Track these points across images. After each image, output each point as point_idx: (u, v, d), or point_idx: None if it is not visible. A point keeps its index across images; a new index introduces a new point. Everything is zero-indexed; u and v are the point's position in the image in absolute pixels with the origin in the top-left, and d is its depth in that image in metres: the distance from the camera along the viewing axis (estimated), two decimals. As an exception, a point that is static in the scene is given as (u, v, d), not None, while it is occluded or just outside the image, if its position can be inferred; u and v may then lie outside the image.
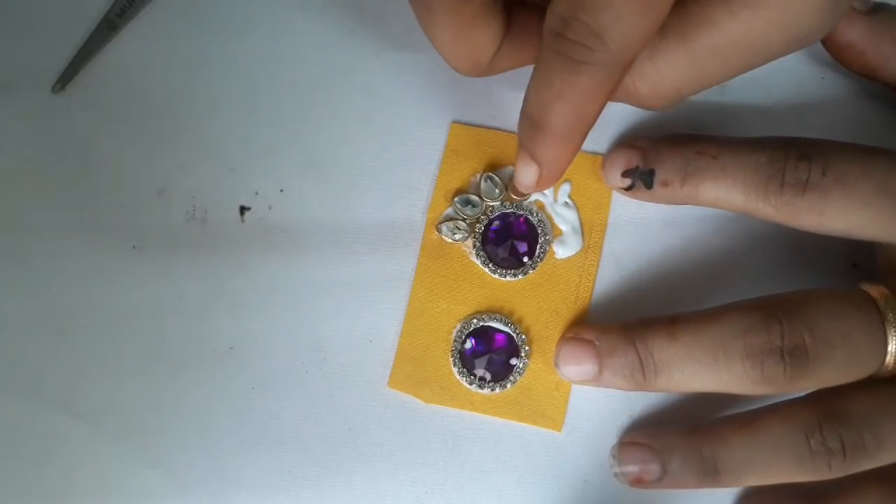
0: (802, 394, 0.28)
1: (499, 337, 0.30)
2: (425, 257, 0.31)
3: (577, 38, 0.22)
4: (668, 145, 0.29)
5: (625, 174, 0.29)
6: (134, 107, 0.32)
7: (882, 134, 0.31)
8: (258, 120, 0.32)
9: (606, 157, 0.30)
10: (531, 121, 0.25)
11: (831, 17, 0.23)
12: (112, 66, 0.32)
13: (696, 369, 0.27)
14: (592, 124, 0.25)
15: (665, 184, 0.29)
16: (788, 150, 0.27)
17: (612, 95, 0.24)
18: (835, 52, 0.30)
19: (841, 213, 0.27)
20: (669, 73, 0.25)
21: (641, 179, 0.29)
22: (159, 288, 0.31)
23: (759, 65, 0.24)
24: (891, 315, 0.26)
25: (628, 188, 0.30)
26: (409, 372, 0.31)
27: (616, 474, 0.29)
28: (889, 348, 0.26)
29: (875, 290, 0.27)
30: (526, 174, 0.26)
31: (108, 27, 0.32)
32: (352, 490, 0.31)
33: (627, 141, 0.30)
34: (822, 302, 0.27)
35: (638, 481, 0.29)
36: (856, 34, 0.29)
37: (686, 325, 0.27)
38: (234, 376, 0.31)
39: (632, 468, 0.29)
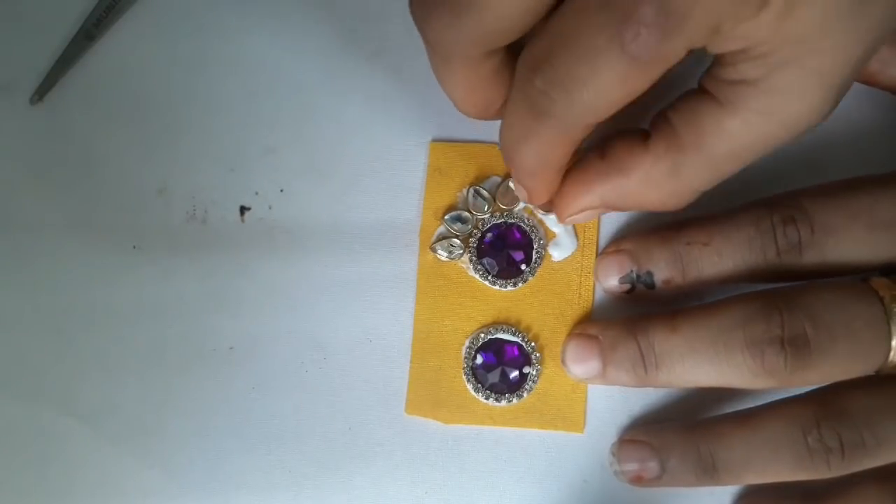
0: (803, 391, 0.28)
1: (508, 348, 0.30)
2: (423, 279, 0.31)
3: (543, 87, 0.21)
4: (656, 242, 0.29)
5: (622, 280, 0.29)
6: (134, 107, 0.32)
7: (883, 132, 0.31)
8: (258, 120, 0.32)
9: (597, 266, 0.30)
10: (503, 151, 0.25)
11: (836, 102, 0.23)
12: (113, 67, 0.33)
13: (697, 361, 0.27)
14: (562, 166, 0.25)
15: (667, 282, 0.28)
16: (772, 216, 0.27)
17: (576, 146, 0.24)
18: None
19: (841, 259, 0.27)
20: (690, 182, 0.25)
21: (642, 283, 0.29)
22: (159, 288, 0.31)
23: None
24: (895, 309, 0.26)
25: (629, 292, 0.29)
26: (424, 396, 0.31)
27: (616, 472, 0.29)
28: (892, 343, 0.26)
29: (879, 284, 0.27)
30: (518, 191, 0.29)
31: (107, 27, 0.32)
32: (352, 490, 0.31)
33: (612, 245, 0.30)
34: (823, 293, 0.26)
35: (637, 479, 0.28)
36: None
37: (687, 317, 0.27)
38: (234, 376, 0.31)
39: (631, 466, 0.29)
